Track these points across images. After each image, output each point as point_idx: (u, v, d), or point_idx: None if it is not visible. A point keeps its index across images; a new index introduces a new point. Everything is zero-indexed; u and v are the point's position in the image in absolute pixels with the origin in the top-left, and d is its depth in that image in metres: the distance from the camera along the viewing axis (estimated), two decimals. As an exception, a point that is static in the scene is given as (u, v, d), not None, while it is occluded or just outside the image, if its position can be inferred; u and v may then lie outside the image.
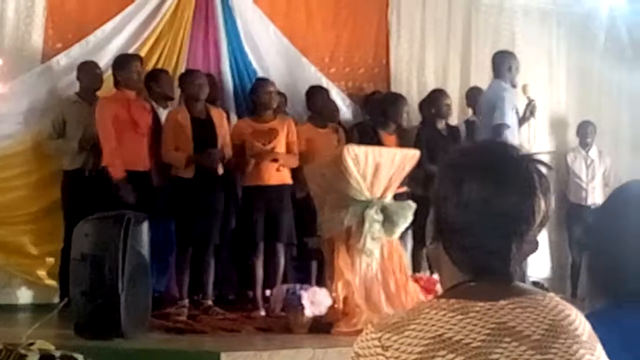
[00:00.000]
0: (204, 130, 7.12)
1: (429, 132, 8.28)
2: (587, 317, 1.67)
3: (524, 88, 8.31)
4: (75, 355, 4.62)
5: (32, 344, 4.68)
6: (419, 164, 6.93)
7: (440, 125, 8.40)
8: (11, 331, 5.62)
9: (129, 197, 6.80)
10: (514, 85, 7.88)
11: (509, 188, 1.61)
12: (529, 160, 1.66)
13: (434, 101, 8.49)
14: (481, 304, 1.58)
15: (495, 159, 1.65)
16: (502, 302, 1.59)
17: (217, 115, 7.31)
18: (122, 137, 6.97)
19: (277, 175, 7.36)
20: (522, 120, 8.09)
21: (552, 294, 1.66)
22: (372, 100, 8.74)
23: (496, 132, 7.56)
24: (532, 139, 8.34)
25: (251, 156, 7.32)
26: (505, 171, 1.62)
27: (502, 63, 7.87)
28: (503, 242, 1.61)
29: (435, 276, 7.44)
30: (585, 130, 9.61)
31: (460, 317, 1.56)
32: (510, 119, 7.73)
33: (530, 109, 8.20)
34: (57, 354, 4.52)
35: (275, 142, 7.38)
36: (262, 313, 7.06)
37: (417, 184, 7.49)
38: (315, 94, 8.15)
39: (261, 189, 7.30)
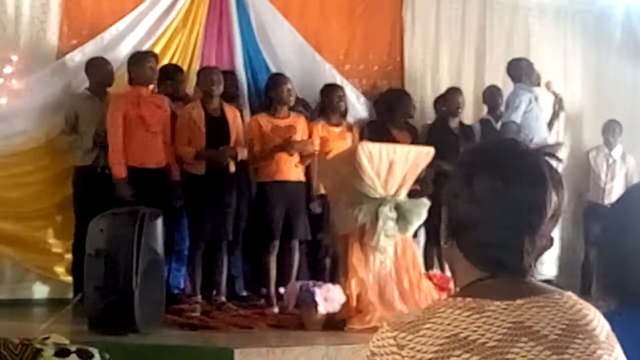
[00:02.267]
0: (216, 128, 7.12)
1: (441, 130, 8.27)
2: (604, 317, 1.66)
3: (547, 85, 8.32)
4: (91, 349, 4.64)
5: (47, 338, 4.70)
6: (431, 162, 6.94)
7: (453, 123, 8.39)
8: (26, 326, 5.66)
9: (126, 196, 6.83)
10: (537, 85, 7.91)
11: (519, 181, 1.60)
12: (539, 153, 1.66)
13: (448, 99, 8.49)
14: (497, 302, 1.57)
15: (504, 154, 1.65)
16: (519, 301, 1.58)
17: (231, 113, 7.31)
18: (132, 134, 6.98)
19: (295, 171, 7.38)
20: (553, 117, 8.10)
21: (569, 293, 1.65)
22: (385, 98, 8.73)
23: (504, 130, 7.59)
24: (560, 136, 8.35)
25: (276, 150, 7.28)
26: (514, 165, 1.62)
27: (517, 69, 7.96)
28: (515, 236, 1.60)
29: (448, 273, 7.45)
30: (610, 129, 9.53)
31: (476, 316, 1.55)
32: (523, 117, 7.75)
33: (557, 103, 8.21)
34: (73, 348, 4.54)
35: (295, 138, 7.39)
36: (276, 310, 7.06)
37: (428, 182, 7.50)
38: (331, 91, 8.14)
39: (279, 184, 7.30)
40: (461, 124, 8.49)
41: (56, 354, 4.48)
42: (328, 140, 7.71)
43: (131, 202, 6.62)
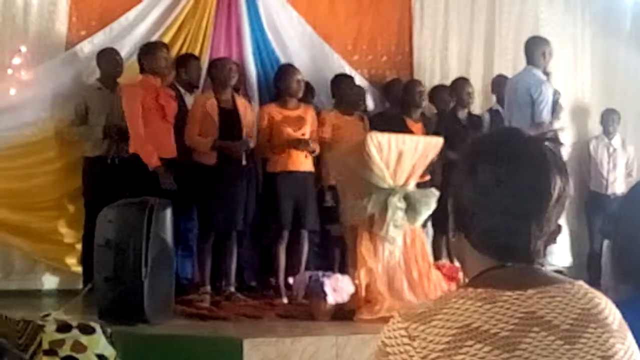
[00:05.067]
0: (229, 119, 7.13)
1: (450, 120, 8.25)
2: (616, 305, 1.66)
3: (549, 75, 8.19)
4: (92, 324, 4.66)
5: (47, 315, 4.72)
6: (440, 152, 6.93)
7: (462, 114, 8.36)
8: (36, 316, 5.66)
9: (170, 183, 6.78)
10: (546, 73, 7.78)
11: (522, 166, 1.61)
12: (539, 139, 1.67)
13: (456, 89, 8.46)
14: (509, 293, 1.57)
15: (506, 141, 1.66)
16: (530, 291, 1.58)
17: (242, 104, 7.33)
18: (149, 124, 6.96)
19: (305, 162, 7.38)
20: (553, 114, 7.98)
21: (581, 282, 1.65)
22: (392, 88, 8.71)
23: (537, 131, 7.48)
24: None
25: (291, 146, 7.29)
26: (517, 151, 1.63)
27: (537, 49, 7.68)
28: (522, 221, 1.61)
29: (457, 264, 7.44)
30: (608, 118, 9.54)
31: (488, 306, 1.55)
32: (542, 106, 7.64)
33: (556, 100, 8.06)
34: (74, 323, 4.56)
35: (305, 129, 7.40)
36: (285, 300, 7.07)
37: (436, 172, 7.49)
38: (342, 81, 8.13)
39: (289, 174, 7.30)
40: (470, 114, 8.46)
41: (58, 330, 4.50)
42: (340, 128, 7.70)
43: (173, 191, 6.62)
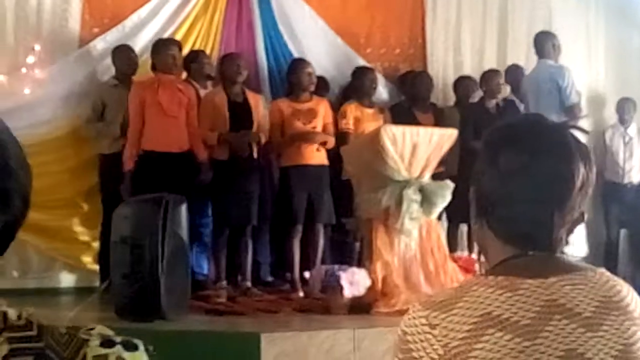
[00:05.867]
0: (239, 113, 7.13)
1: (478, 111, 8.18)
2: (636, 290, 1.65)
3: None
4: (135, 341, 4.67)
5: (92, 328, 4.73)
6: (467, 143, 6.92)
7: (490, 104, 8.30)
8: (53, 314, 5.67)
9: (125, 194, 6.86)
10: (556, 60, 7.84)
11: (545, 154, 1.59)
12: (563, 126, 1.65)
13: (486, 80, 8.41)
14: (530, 281, 1.56)
15: (529, 129, 1.65)
16: (552, 279, 1.57)
17: (253, 99, 7.32)
18: (151, 119, 6.97)
19: (317, 155, 7.36)
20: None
21: (602, 270, 1.63)
22: (406, 81, 8.70)
23: (571, 114, 7.53)
24: None
25: (298, 139, 7.30)
26: (540, 139, 1.61)
27: (546, 42, 7.84)
28: (544, 209, 1.59)
29: (474, 255, 7.43)
30: (624, 107, 9.50)
31: (509, 294, 1.54)
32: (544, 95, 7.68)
33: None
34: (118, 339, 4.57)
35: (315, 122, 7.39)
36: (301, 294, 7.07)
37: (450, 164, 7.46)
38: (364, 74, 8.09)
39: (301, 168, 7.29)
40: (498, 104, 8.36)
41: (102, 345, 4.52)
42: (361, 120, 7.67)
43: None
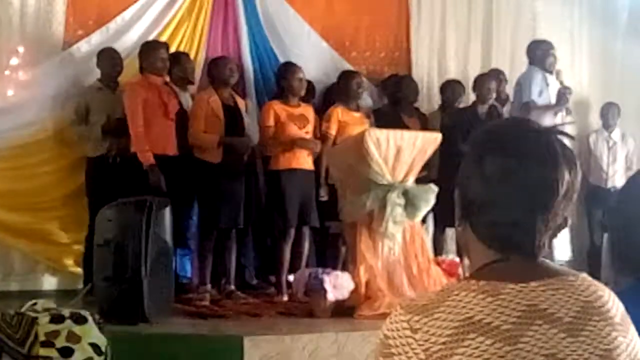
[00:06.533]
0: (232, 117, 7.13)
1: (469, 115, 8.19)
2: (617, 296, 1.65)
3: (557, 74, 8.23)
4: (83, 312, 4.72)
5: (34, 304, 4.76)
6: (455, 147, 6.95)
7: (481, 109, 8.29)
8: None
9: (160, 182, 6.77)
10: (549, 72, 7.89)
11: (530, 160, 1.58)
12: (550, 132, 1.63)
13: (477, 85, 8.41)
14: (512, 285, 1.56)
15: (514, 132, 1.63)
16: (533, 284, 1.57)
17: (241, 102, 7.35)
18: (152, 121, 6.94)
19: (307, 160, 7.35)
20: (555, 105, 8.03)
21: (584, 275, 1.63)
22: (390, 85, 8.70)
23: (523, 111, 7.58)
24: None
25: (297, 144, 7.27)
26: (526, 143, 1.59)
27: (538, 48, 7.94)
28: (528, 215, 1.58)
29: (457, 259, 7.45)
30: (608, 112, 9.54)
31: (490, 299, 1.54)
32: (539, 99, 7.74)
33: (560, 96, 8.11)
34: (66, 313, 4.61)
35: (309, 126, 7.41)
36: (285, 298, 7.07)
37: (452, 168, 7.46)
38: (350, 78, 8.07)
39: (294, 172, 7.27)
40: (489, 109, 8.36)
41: (52, 321, 4.54)
42: (348, 124, 7.64)
43: (162, 190, 6.62)
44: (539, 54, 8.06)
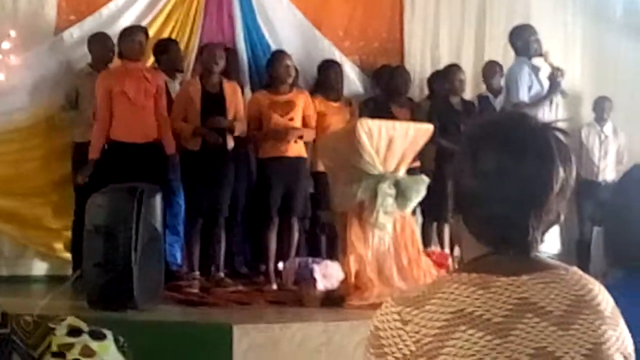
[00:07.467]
0: (213, 105, 7.09)
1: (442, 106, 8.23)
2: (607, 289, 1.65)
3: (545, 55, 8.13)
4: (104, 330, 4.61)
5: (63, 319, 4.67)
6: (432, 139, 6.93)
7: (454, 100, 8.34)
8: (25, 302, 5.64)
9: (78, 177, 6.89)
10: (539, 55, 7.79)
11: (525, 156, 1.57)
12: (546, 128, 1.62)
13: (448, 76, 8.43)
14: (503, 278, 1.56)
15: (510, 127, 1.62)
16: (524, 277, 1.57)
17: (230, 89, 7.26)
18: (116, 109, 6.89)
19: (295, 147, 7.35)
20: (550, 91, 7.89)
21: (575, 268, 1.63)
22: (382, 75, 8.70)
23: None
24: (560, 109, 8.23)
25: (274, 137, 7.28)
26: (521, 139, 1.59)
27: (519, 38, 7.82)
28: (521, 211, 1.58)
29: (448, 250, 7.46)
30: (601, 106, 9.54)
31: (481, 292, 1.54)
32: (529, 96, 7.68)
33: (554, 75, 7.92)
34: (85, 329, 4.51)
35: (293, 114, 7.37)
36: (274, 286, 7.07)
37: (429, 159, 7.48)
38: (329, 67, 8.11)
39: (278, 160, 7.28)
40: (463, 100, 8.43)
41: (68, 333, 4.46)
42: (326, 115, 7.69)
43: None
44: (520, 45, 7.89)
